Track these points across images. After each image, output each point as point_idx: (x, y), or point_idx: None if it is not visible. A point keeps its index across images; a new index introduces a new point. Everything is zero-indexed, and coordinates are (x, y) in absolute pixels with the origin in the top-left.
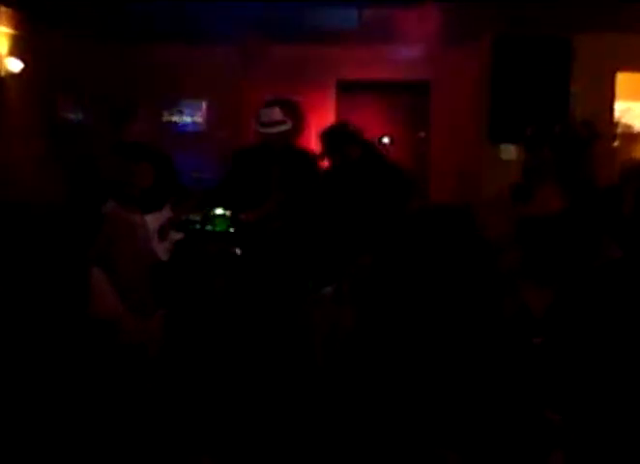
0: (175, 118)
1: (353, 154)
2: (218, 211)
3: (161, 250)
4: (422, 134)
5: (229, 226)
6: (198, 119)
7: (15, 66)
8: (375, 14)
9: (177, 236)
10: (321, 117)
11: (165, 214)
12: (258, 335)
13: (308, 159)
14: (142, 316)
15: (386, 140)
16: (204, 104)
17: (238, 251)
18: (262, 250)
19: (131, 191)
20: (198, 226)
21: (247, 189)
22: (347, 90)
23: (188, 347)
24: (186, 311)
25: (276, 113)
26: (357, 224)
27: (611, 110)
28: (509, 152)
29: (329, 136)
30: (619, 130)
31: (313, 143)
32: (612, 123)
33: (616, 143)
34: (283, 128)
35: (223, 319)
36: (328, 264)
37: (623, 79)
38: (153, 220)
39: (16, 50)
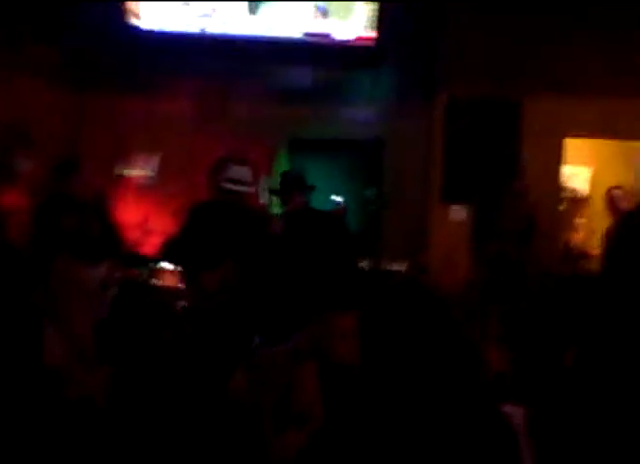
0: (128, 171)
1: (304, 200)
2: (165, 265)
3: (102, 305)
4: (373, 193)
5: (179, 281)
6: (151, 172)
7: None
8: (330, 72)
9: (113, 292)
10: (272, 175)
11: (104, 268)
12: (205, 391)
13: (264, 221)
14: (88, 371)
15: (339, 200)
16: (156, 158)
17: (183, 304)
18: (215, 312)
19: (82, 243)
20: (146, 280)
21: (203, 246)
22: (299, 148)
23: (137, 402)
24: (134, 366)
25: (248, 174)
26: (309, 279)
27: (559, 175)
28: (459, 213)
29: (287, 178)
30: (565, 194)
31: (263, 201)
32: (559, 187)
33: (562, 207)
34: (249, 189)
35: (172, 372)
36: (279, 321)
37: (572, 144)
38: (96, 273)
39: None
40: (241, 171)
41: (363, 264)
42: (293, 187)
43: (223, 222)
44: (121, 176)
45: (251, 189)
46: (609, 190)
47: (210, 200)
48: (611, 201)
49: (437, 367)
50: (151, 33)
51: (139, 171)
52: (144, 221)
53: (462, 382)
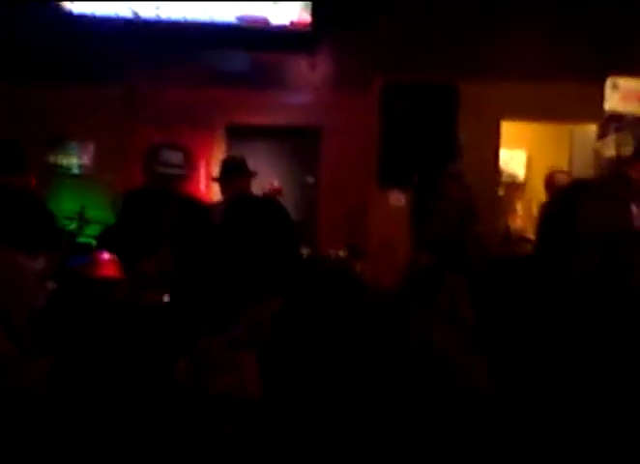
0: (60, 159)
1: (245, 187)
2: (105, 256)
3: (40, 297)
4: (311, 180)
5: (117, 271)
6: (85, 161)
7: None
8: (266, 58)
9: (52, 284)
10: (210, 162)
11: (42, 259)
12: (150, 377)
13: (201, 206)
14: (27, 361)
15: (276, 185)
16: (91, 146)
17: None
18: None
19: (15, 232)
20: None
21: (141, 233)
22: (237, 135)
23: (79, 393)
24: (75, 357)
25: (179, 157)
26: (249, 268)
27: (496, 158)
28: (398, 198)
29: (227, 164)
30: (503, 178)
31: (201, 187)
32: (497, 171)
33: (500, 191)
34: (180, 172)
35: (115, 363)
36: (219, 310)
37: (507, 128)
38: (34, 264)
39: None
40: (172, 155)
41: (302, 251)
42: (232, 173)
43: (158, 208)
44: (55, 165)
45: (184, 172)
46: (552, 174)
47: (144, 187)
48: (554, 184)
49: (351, 354)
50: (83, 17)
51: (73, 159)
52: (81, 211)
53: (377, 367)
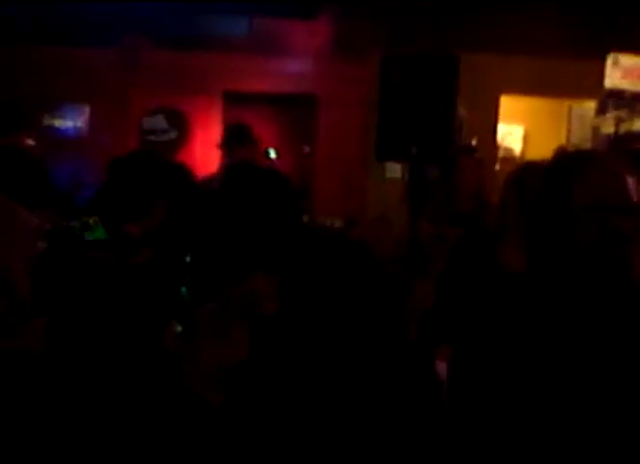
0: (56, 122)
1: (248, 155)
2: (97, 219)
3: (34, 255)
4: (308, 149)
5: (107, 234)
6: (80, 124)
7: None
8: (265, 24)
9: (42, 244)
10: (206, 128)
11: (37, 218)
12: (144, 347)
13: (186, 172)
14: (20, 320)
15: (272, 153)
16: (87, 109)
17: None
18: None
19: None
20: (77, 233)
21: (127, 199)
22: (234, 101)
23: (73, 355)
24: (69, 319)
25: (160, 121)
26: (245, 237)
27: (494, 133)
28: (395, 170)
29: (228, 131)
30: (500, 153)
31: (198, 154)
32: (495, 145)
33: (497, 166)
34: (167, 137)
35: (108, 328)
36: (212, 277)
37: (505, 102)
38: (33, 221)
39: None
40: (153, 121)
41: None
42: (236, 140)
43: (143, 172)
44: (50, 127)
45: (172, 136)
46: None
47: (131, 152)
48: None
49: (357, 319)
50: None
51: (68, 122)
52: (75, 173)
53: (381, 330)
